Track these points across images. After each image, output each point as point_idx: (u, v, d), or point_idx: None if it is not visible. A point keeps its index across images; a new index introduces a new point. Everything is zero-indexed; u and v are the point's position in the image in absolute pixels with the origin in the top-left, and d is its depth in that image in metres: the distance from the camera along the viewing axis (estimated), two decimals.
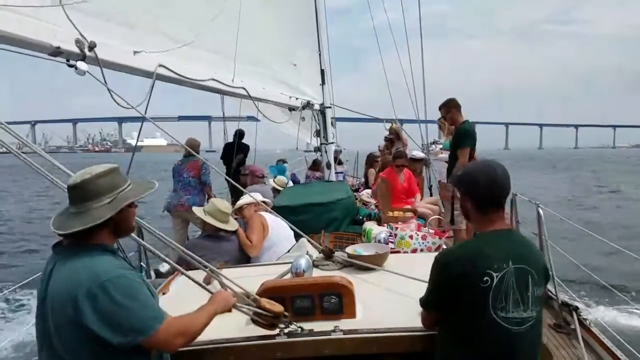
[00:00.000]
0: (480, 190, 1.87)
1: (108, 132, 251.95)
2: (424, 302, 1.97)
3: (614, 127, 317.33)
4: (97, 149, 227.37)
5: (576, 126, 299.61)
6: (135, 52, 3.10)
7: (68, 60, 2.48)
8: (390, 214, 5.40)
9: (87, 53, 2.54)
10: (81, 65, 2.49)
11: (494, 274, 1.73)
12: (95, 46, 2.59)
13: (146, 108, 3.24)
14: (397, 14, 10.22)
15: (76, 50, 2.51)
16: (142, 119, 3.51)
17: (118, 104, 2.86)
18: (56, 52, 2.39)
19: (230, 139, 9.15)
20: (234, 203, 4.72)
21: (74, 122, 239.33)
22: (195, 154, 5.74)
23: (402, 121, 9.80)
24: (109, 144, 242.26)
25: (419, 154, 7.87)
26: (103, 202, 1.66)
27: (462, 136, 5.10)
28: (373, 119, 11.12)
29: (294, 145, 9.96)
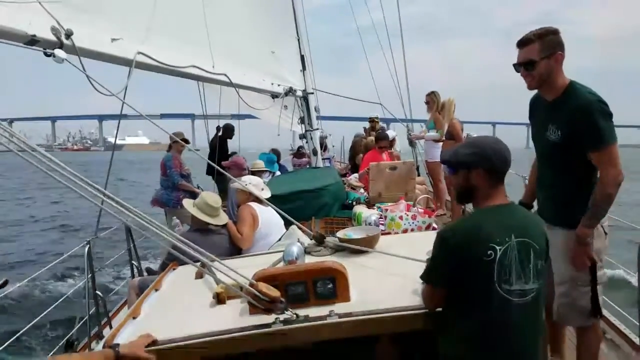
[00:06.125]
0: (492, 163, 1.85)
1: (89, 131, 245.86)
2: (427, 277, 1.93)
3: None
4: (75, 147, 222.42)
5: None
6: (113, 40, 3.01)
7: (45, 49, 2.38)
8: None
9: (65, 41, 2.45)
10: (59, 52, 2.39)
11: (497, 248, 1.74)
12: (72, 34, 2.50)
13: (124, 95, 3.15)
14: (385, 13, 10.52)
15: (53, 38, 2.42)
16: (121, 115, 3.41)
17: (98, 90, 2.78)
18: (32, 40, 2.29)
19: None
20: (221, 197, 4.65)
21: (53, 119, 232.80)
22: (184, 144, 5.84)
23: (388, 120, 9.87)
24: (89, 142, 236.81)
25: (390, 132, 8.46)
26: None
27: (609, 122, 2.38)
28: (358, 118, 11.14)
29: (284, 145, 9.91)
